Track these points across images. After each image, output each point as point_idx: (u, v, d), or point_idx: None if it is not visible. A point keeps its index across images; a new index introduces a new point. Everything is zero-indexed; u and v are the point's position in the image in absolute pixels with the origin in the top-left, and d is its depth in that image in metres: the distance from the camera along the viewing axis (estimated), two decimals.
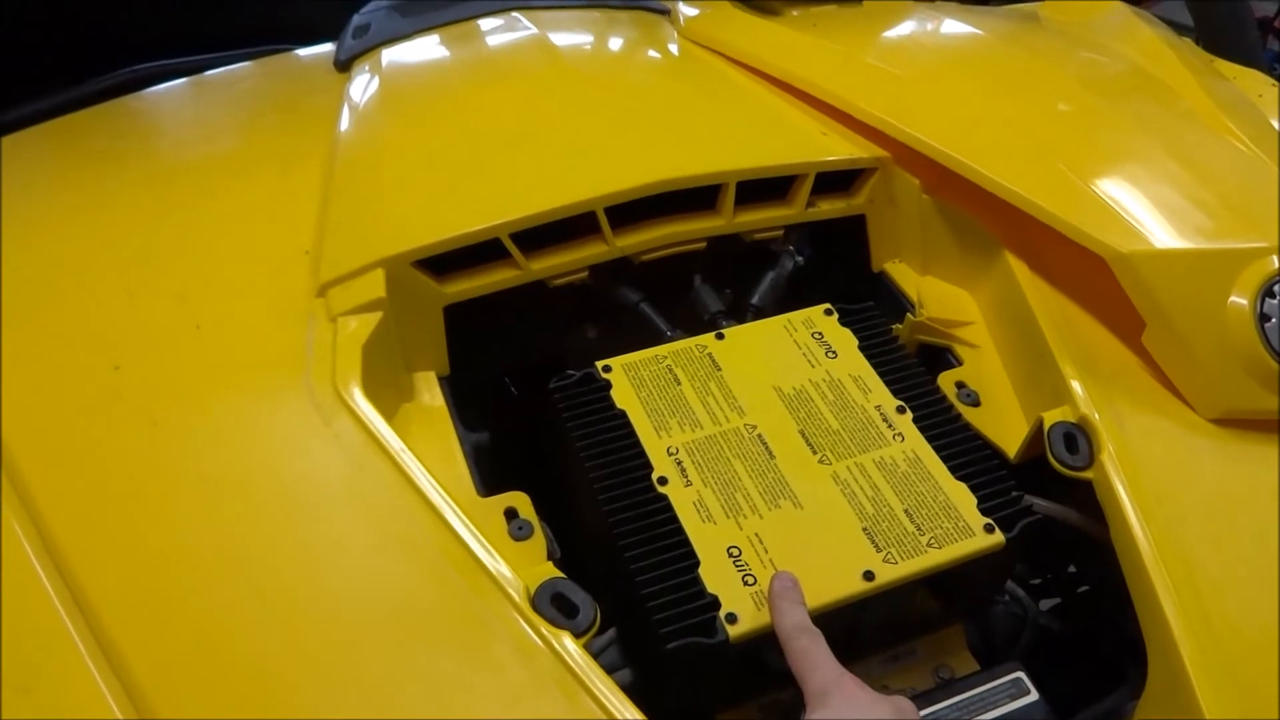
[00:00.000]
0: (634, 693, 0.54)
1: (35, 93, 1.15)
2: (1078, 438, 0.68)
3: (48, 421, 0.65)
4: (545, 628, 0.55)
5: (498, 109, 0.92)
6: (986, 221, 0.84)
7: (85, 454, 0.63)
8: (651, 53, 1.07)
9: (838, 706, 0.51)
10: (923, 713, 0.57)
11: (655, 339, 0.80)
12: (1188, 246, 0.73)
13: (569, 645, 0.54)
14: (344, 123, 0.93)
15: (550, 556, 0.63)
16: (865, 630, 0.65)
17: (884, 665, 0.68)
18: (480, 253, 0.77)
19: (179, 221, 0.84)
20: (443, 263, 0.76)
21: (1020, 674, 0.63)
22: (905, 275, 0.89)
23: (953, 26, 1.09)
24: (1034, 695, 0.62)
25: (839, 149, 0.86)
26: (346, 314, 0.71)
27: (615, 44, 1.06)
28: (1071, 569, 0.85)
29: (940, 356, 0.82)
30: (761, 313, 0.84)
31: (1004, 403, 0.77)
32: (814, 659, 0.54)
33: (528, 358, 0.86)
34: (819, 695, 0.52)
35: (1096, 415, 0.68)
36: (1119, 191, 0.78)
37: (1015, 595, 0.76)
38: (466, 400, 0.75)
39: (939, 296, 0.86)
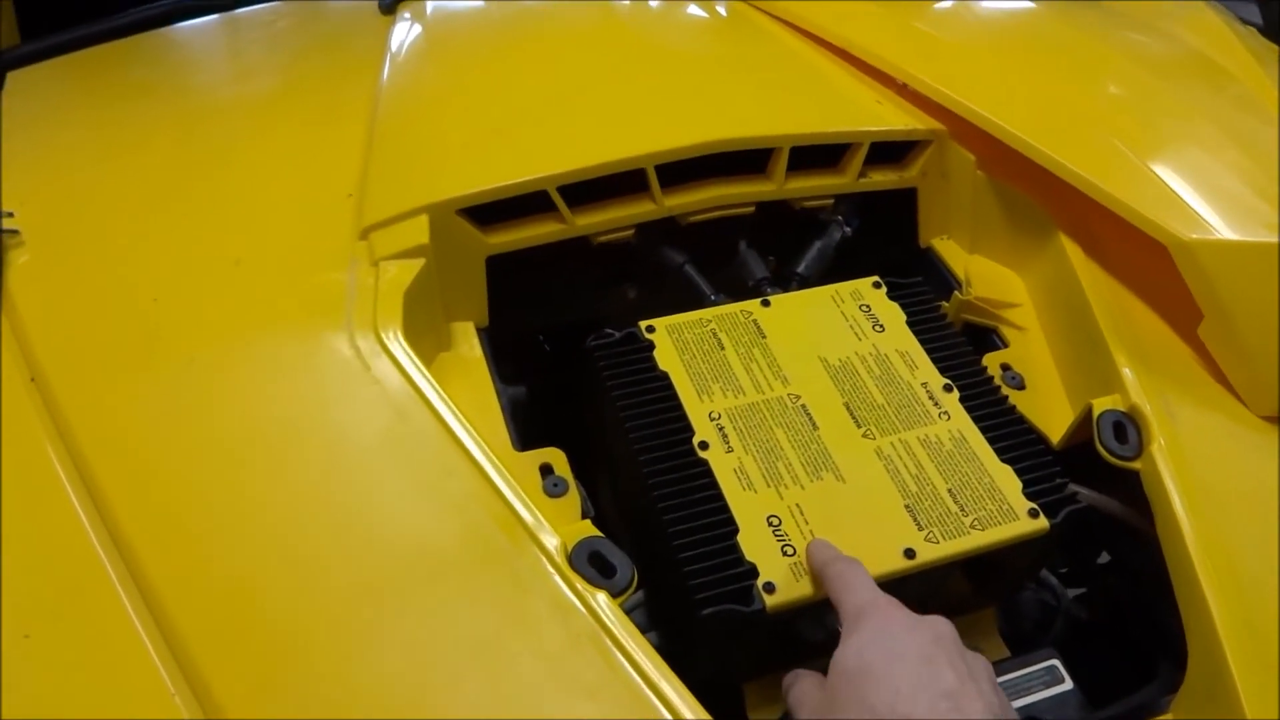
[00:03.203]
0: (661, 656, 0.53)
1: (74, 20, 1.14)
2: (1127, 427, 0.67)
3: (85, 352, 0.65)
4: (582, 585, 0.54)
5: (547, 61, 0.90)
6: (1040, 202, 0.82)
7: (122, 387, 0.63)
8: (705, 13, 1.04)
9: (872, 629, 0.49)
10: None
11: (696, 303, 0.79)
12: (1252, 239, 0.71)
13: (605, 604, 0.54)
14: (388, 67, 0.91)
15: (584, 515, 0.62)
16: None
17: None
18: (525, 205, 0.75)
19: (219, 157, 0.83)
20: (487, 212, 0.74)
21: (1055, 662, 0.63)
22: (953, 252, 0.87)
23: (1015, 6, 1.06)
24: (1068, 684, 0.62)
25: (895, 119, 0.84)
26: (389, 259, 0.70)
27: (672, 5, 1.04)
28: (1102, 559, 0.84)
29: (985, 337, 0.81)
30: (807, 282, 0.83)
31: (1049, 387, 0.76)
32: (849, 580, 0.53)
33: (565, 315, 0.85)
34: (854, 617, 0.51)
35: (1148, 405, 0.67)
36: (1181, 177, 0.76)
37: (1047, 582, 0.75)
38: (501, 354, 0.74)
39: (986, 276, 0.84)
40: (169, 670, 0.51)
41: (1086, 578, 0.83)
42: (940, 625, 0.51)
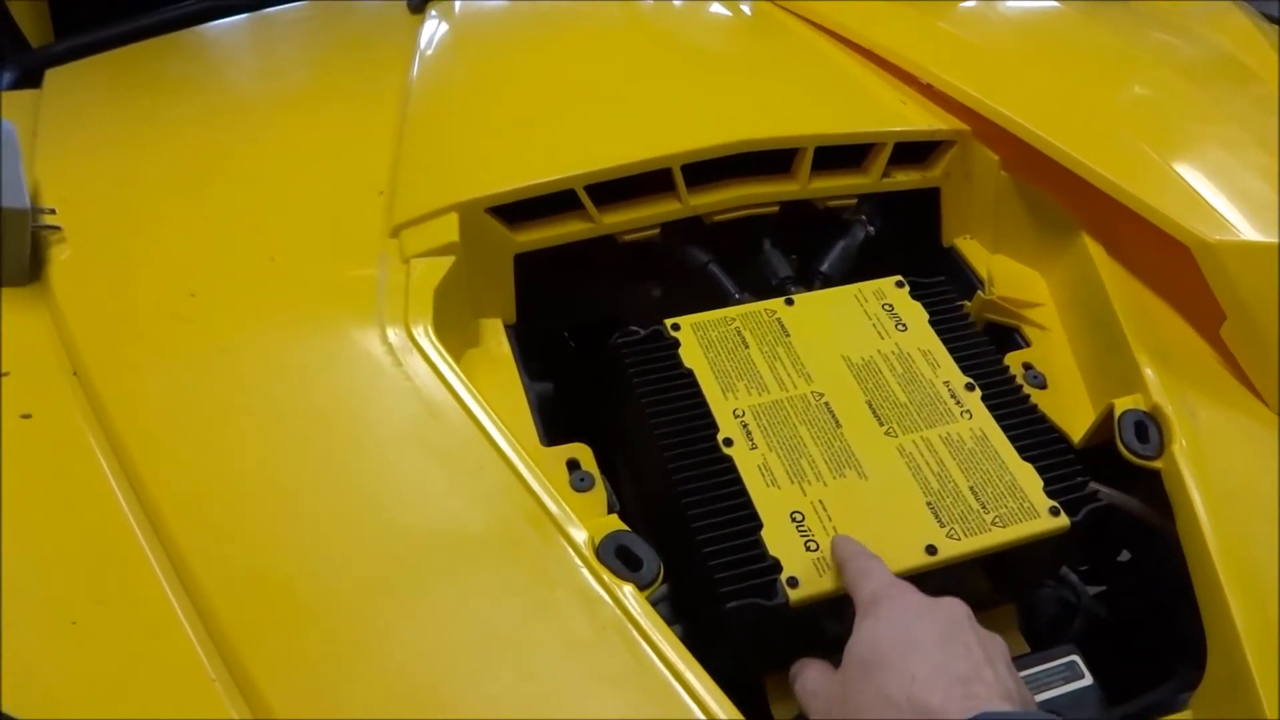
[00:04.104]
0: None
1: (105, 19, 1.16)
2: (1149, 426, 0.67)
3: (126, 345, 0.66)
4: (609, 577, 0.55)
5: (574, 61, 0.91)
6: (1064, 202, 0.82)
7: (161, 380, 0.65)
8: (730, 13, 1.05)
9: (886, 617, 0.50)
10: None
11: (720, 301, 0.80)
12: (1276, 240, 0.71)
13: (632, 597, 0.55)
14: (417, 66, 0.92)
15: (610, 509, 0.64)
16: None
17: None
18: (553, 203, 0.76)
19: (252, 154, 0.85)
20: (516, 211, 0.76)
21: (1075, 658, 0.63)
22: (975, 252, 0.88)
23: (1040, 6, 1.06)
24: (1088, 680, 0.62)
25: (919, 119, 0.85)
26: (419, 256, 0.71)
27: (697, 4, 1.05)
28: (1121, 557, 0.84)
29: (1008, 336, 0.81)
30: (830, 281, 0.84)
31: (1071, 387, 0.76)
32: (864, 568, 0.54)
33: (589, 312, 0.86)
34: (868, 604, 0.51)
35: (1169, 405, 0.67)
36: (1205, 179, 0.77)
37: (1067, 580, 0.76)
38: (527, 350, 0.76)
39: (1008, 276, 0.85)
40: (209, 656, 0.52)
41: (1106, 576, 0.84)
42: (955, 607, 0.51)
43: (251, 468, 0.60)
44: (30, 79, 1.04)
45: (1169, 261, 0.74)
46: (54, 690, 0.51)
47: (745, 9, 1.06)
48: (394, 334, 0.66)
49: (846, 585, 0.54)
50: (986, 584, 0.69)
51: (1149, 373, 0.69)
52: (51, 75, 0.99)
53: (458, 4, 1.04)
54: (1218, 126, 0.85)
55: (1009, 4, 1.07)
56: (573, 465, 0.65)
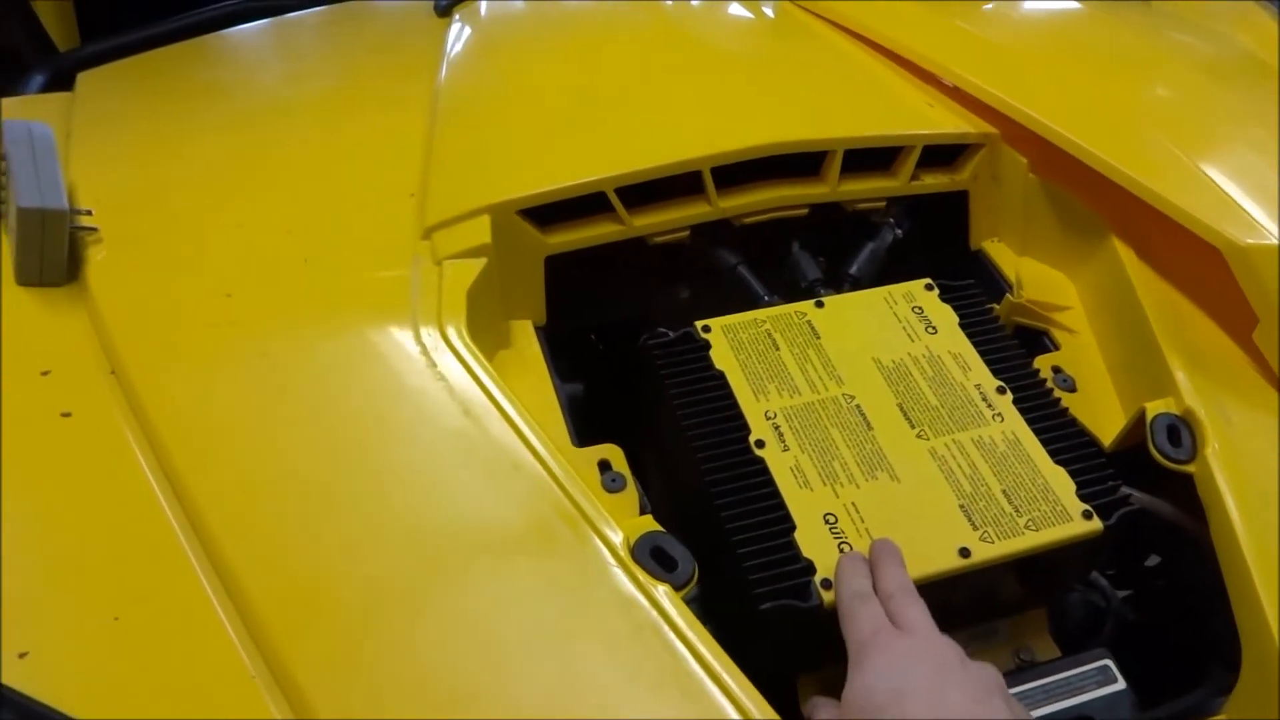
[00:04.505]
0: None
1: (130, 22, 1.16)
2: (1181, 430, 0.67)
3: (163, 345, 0.67)
4: (644, 577, 0.56)
5: (601, 64, 0.91)
6: (1092, 205, 0.82)
7: (199, 379, 0.65)
8: (754, 15, 1.05)
9: (876, 665, 0.51)
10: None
11: (749, 303, 0.80)
12: None
13: (667, 597, 0.55)
14: (445, 69, 0.93)
15: (642, 510, 0.64)
16: (952, 607, 0.65)
17: (966, 643, 0.67)
18: (583, 206, 0.77)
19: (283, 157, 0.85)
20: (546, 213, 0.76)
21: (1108, 662, 0.63)
22: (1003, 255, 0.88)
23: (1064, 7, 1.06)
24: (1121, 684, 0.62)
25: (947, 122, 0.85)
26: (452, 258, 0.71)
27: (722, 6, 1.05)
28: (1150, 561, 0.84)
29: (1036, 340, 0.81)
30: (859, 283, 0.84)
31: (1100, 390, 0.76)
32: (849, 611, 0.54)
33: (618, 313, 0.86)
34: (856, 653, 0.52)
35: (1202, 409, 0.67)
36: (1236, 181, 0.76)
37: (1096, 584, 0.76)
38: (556, 351, 0.76)
39: (1037, 279, 0.85)
40: (249, 653, 0.53)
41: (1133, 580, 0.84)
42: (943, 649, 0.52)
43: (289, 466, 0.60)
44: (59, 82, 1.05)
45: (1200, 264, 0.74)
46: (97, 684, 0.52)
47: (768, 11, 1.06)
48: (428, 335, 0.66)
49: (841, 629, 0.55)
50: (1018, 588, 0.69)
51: (1181, 376, 0.69)
52: (84, 78, 1.00)
53: (483, 7, 1.04)
54: (1246, 128, 0.85)
55: (1031, 5, 1.07)
56: (604, 466, 0.66)
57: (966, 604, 0.65)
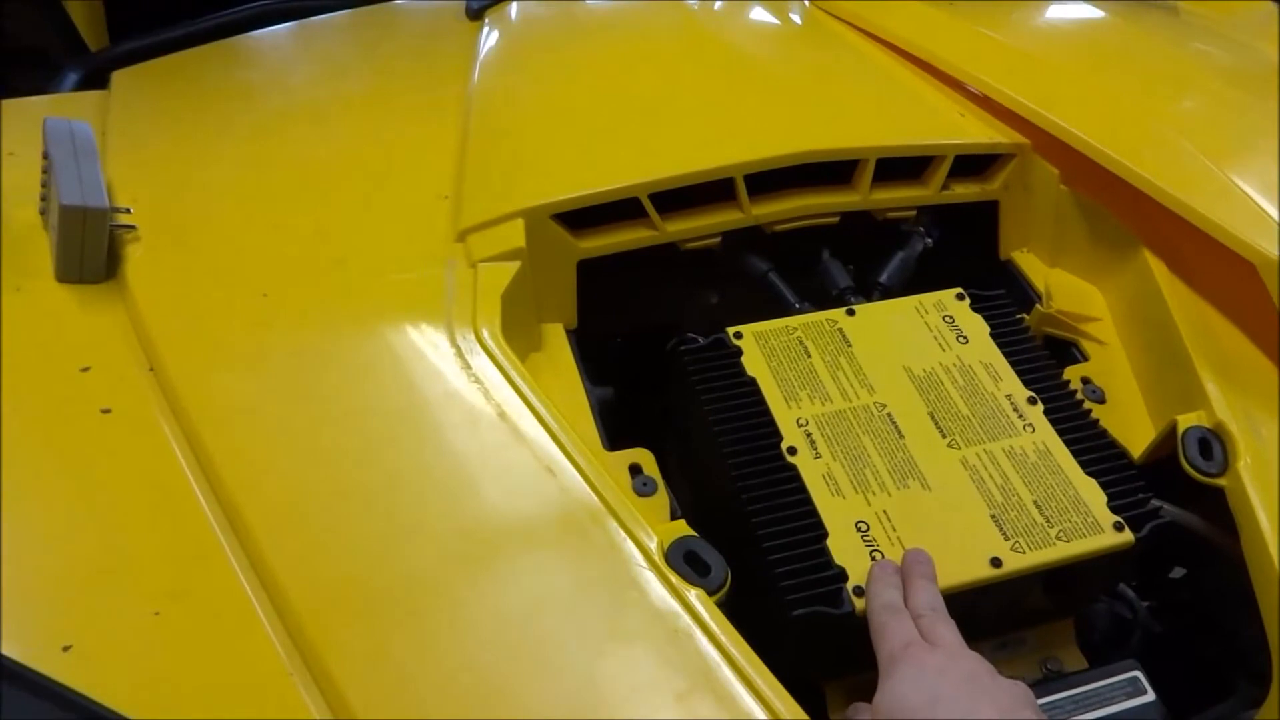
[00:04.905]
0: None
1: (160, 22, 1.17)
2: (1213, 443, 0.67)
3: (201, 342, 0.68)
4: (678, 581, 0.56)
5: (633, 69, 0.92)
6: (1124, 217, 0.82)
7: (236, 377, 0.66)
8: (788, 24, 1.06)
9: (906, 676, 0.52)
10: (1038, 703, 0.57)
11: (779, 310, 0.80)
12: None
13: (701, 602, 0.55)
14: (478, 73, 0.94)
15: (672, 515, 0.64)
16: (980, 616, 0.65)
17: (993, 652, 0.68)
18: (616, 211, 0.77)
19: (317, 159, 0.86)
20: (580, 218, 0.76)
21: (1138, 673, 0.63)
22: (1033, 265, 0.88)
23: (1092, 15, 1.06)
24: (1150, 696, 0.62)
25: (979, 132, 0.85)
26: (486, 261, 0.72)
27: (752, 12, 1.06)
28: (1175, 573, 0.84)
29: (1065, 351, 0.81)
30: (889, 292, 0.84)
31: (1130, 402, 0.76)
32: (880, 624, 0.55)
33: (648, 318, 0.87)
34: (887, 664, 0.53)
35: (1234, 422, 0.67)
36: (1268, 194, 0.76)
37: (1123, 595, 0.76)
38: (586, 355, 0.76)
39: (1066, 290, 0.85)
40: (286, 650, 0.53)
41: (1157, 592, 0.84)
42: (972, 663, 0.53)
43: (325, 464, 0.61)
44: (91, 81, 1.06)
45: (1232, 277, 0.74)
46: (137, 678, 0.52)
47: (795, 17, 1.07)
48: (462, 337, 0.67)
49: (873, 641, 0.56)
50: (1045, 599, 0.69)
51: (1212, 389, 0.69)
52: (119, 77, 1.01)
53: (513, 10, 1.05)
54: (1277, 139, 0.85)
55: (1059, 14, 1.07)
56: (635, 470, 0.66)
57: (993, 613, 0.66)
